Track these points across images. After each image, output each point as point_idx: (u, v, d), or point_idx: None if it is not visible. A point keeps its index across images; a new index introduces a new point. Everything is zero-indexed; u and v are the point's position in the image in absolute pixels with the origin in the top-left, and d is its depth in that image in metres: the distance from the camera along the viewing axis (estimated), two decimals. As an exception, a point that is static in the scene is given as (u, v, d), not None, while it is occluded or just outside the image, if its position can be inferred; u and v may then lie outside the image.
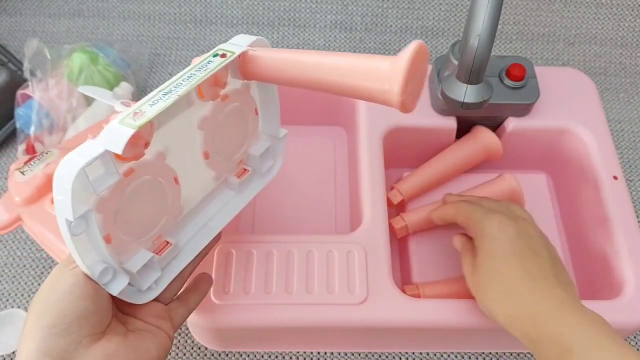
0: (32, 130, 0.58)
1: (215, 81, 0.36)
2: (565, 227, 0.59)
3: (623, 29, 0.74)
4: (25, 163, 0.39)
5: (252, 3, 0.75)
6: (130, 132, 0.29)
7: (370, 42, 0.75)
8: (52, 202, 0.36)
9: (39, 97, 0.58)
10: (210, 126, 0.39)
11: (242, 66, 0.37)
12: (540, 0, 0.75)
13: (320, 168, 0.62)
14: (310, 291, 0.45)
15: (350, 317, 0.45)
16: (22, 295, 0.56)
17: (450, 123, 0.56)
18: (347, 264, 0.46)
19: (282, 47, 0.74)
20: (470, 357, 0.53)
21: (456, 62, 0.51)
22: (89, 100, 0.62)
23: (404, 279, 0.55)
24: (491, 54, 0.47)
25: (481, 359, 0.53)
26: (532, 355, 0.53)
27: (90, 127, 0.42)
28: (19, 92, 0.60)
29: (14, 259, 0.58)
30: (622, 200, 0.51)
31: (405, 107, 0.31)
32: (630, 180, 0.64)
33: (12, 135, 0.64)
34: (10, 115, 0.62)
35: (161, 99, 0.31)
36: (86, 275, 0.33)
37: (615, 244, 0.50)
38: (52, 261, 0.57)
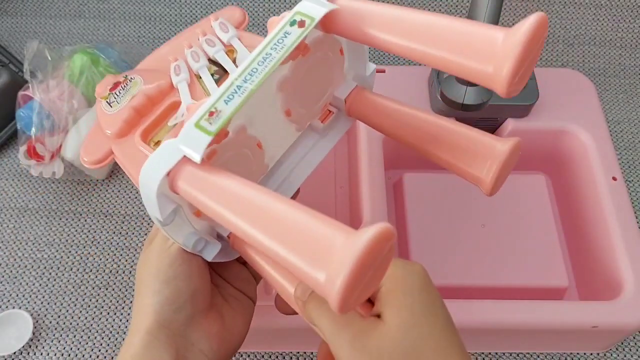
0: (33, 131, 0.58)
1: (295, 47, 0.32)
2: (565, 228, 0.59)
3: (622, 30, 0.74)
4: (111, 91, 0.37)
5: (253, 4, 0.76)
6: (207, 139, 0.28)
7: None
8: (142, 137, 0.35)
9: (40, 98, 0.58)
10: (291, 85, 0.36)
11: (324, 22, 0.32)
12: (539, 1, 0.76)
13: (320, 168, 0.62)
14: (311, 292, 0.45)
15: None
16: (23, 296, 0.56)
17: (449, 124, 0.56)
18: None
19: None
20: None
21: (456, 64, 0.51)
22: (90, 102, 0.62)
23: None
24: (491, 56, 0.47)
25: (481, 359, 0.53)
26: (531, 356, 0.53)
27: (169, 43, 0.39)
28: (20, 93, 0.60)
29: (14, 259, 0.58)
30: (621, 201, 0.52)
31: (511, 93, 0.26)
32: (630, 182, 0.64)
33: (13, 137, 0.65)
34: (11, 117, 0.62)
35: (236, 92, 0.29)
36: (190, 254, 0.35)
37: (614, 245, 0.50)
38: (54, 262, 0.58)
